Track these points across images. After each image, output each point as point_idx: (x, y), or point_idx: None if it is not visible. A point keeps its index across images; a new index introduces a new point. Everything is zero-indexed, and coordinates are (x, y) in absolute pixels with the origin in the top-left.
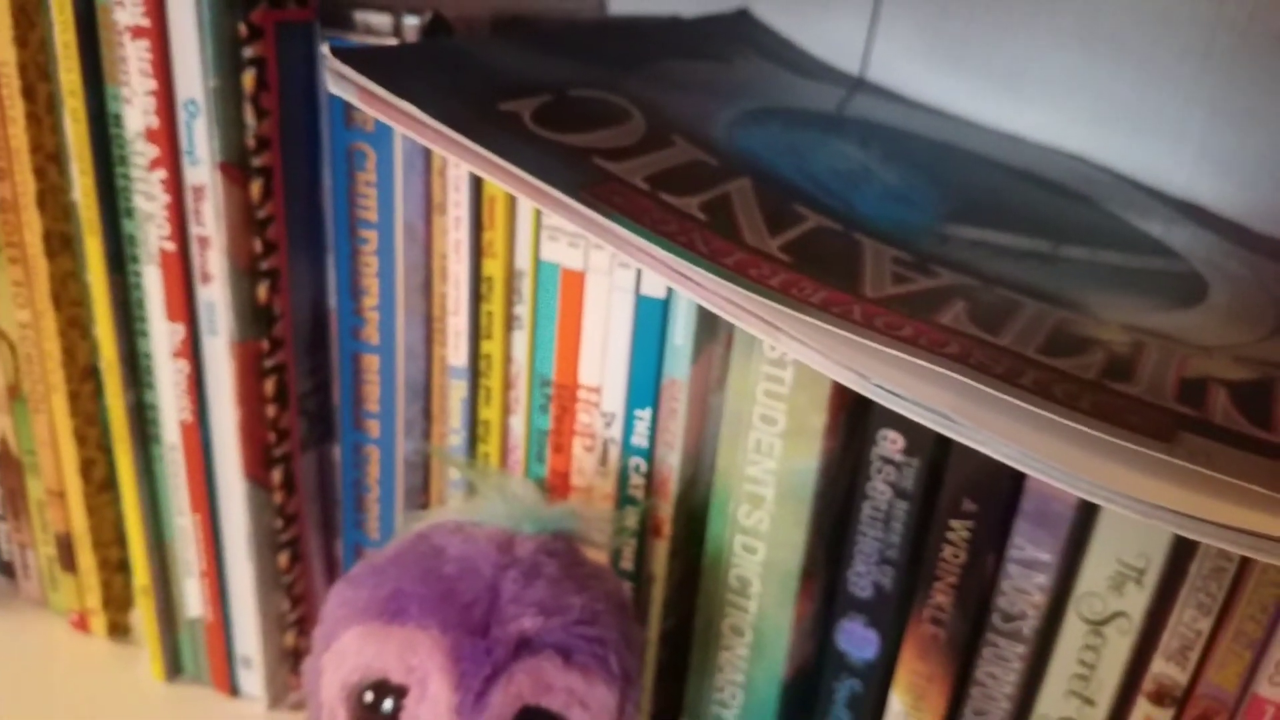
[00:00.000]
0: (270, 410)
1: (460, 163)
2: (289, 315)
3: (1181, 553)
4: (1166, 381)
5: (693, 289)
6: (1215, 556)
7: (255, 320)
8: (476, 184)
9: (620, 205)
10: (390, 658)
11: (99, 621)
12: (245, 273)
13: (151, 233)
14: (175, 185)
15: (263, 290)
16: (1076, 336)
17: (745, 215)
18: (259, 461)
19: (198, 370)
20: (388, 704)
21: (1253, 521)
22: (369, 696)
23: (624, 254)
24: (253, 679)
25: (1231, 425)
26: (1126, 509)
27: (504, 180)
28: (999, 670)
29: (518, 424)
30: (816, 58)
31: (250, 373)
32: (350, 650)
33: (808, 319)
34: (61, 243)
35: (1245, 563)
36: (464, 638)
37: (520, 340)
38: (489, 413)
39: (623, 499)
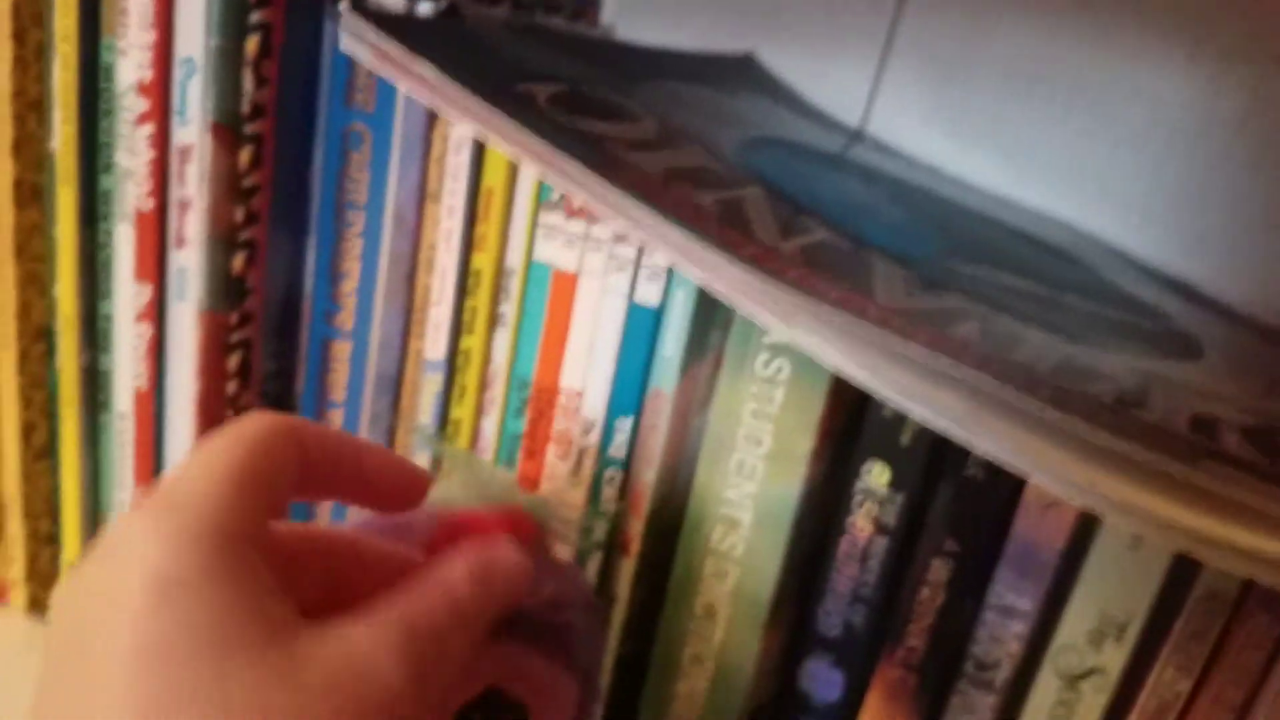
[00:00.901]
0: (231, 387)
1: (472, 127)
2: (261, 291)
3: (1166, 610)
4: (1179, 416)
5: (709, 275)
6: (1200, 616)
7: (227, 291)
8: (475, 175)
9: (638, 187)
10: None
11: (19, 594)
12: (222, 241)
13: (130, 190)
14: (162, 142)
15: (238, 261)
16: (1086, 367)
17: (758, 218)
18: None
19: (160, 336)
20: None
21: (1268, 547)
22: None
23: (640, 235)
24: None
25: (1248, 458)
26: (1142, 527)
27: (521, 149)
28: None
29: (490, 426)
30: (818, 107)
31: (215, 345)
32: None
33: (827, 310)
34: (31, 194)
35: (1229, 624)
36: None
37: (502, 339)
38: (461, 411)
39: (593, 512)
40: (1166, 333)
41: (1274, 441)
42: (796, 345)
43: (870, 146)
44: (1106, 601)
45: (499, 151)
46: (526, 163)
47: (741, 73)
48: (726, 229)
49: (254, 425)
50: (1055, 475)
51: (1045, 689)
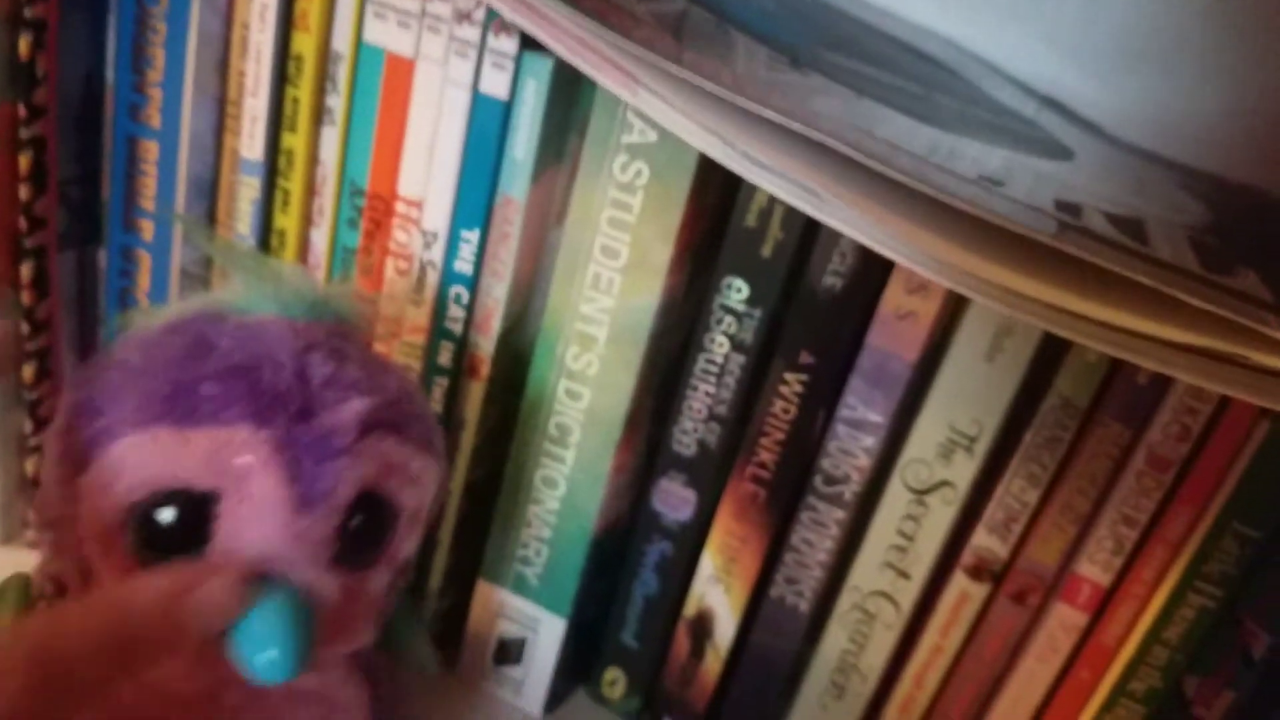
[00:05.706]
0: (24, 191)
1: None
2: (55, 80)
3: (1017, 420)
4: (1043, 198)
5: (544, 27)
6: (1052, 425)
7: (12, 79)
8: None
9: None
10: (191, 463)
11: None
12: (5, 19)
13: None
14: None
15: (24, 44)
16: (950, 149)
17: None
18: (6, 253)
19: None
20: (181, 517)
21: (1128, 322)
22: (167, 514)
23: None
24: None
25: (1110, 237)
26: (999, 302)
27: None
28: (815, 536)
29: (320, 238)
30: None
31: (2, 142)
32: (128, 464)
33: (672, 72)
34: None
35: (1081, 431)
36: (291, 428)
37: (330, 138)
38: (286, 221)
39: (439, 333)
40: (1037, 136)
41: (1140, 229)
42: (648, 128)
43: None
44: (957, 414)
45: None
46: None
47: None
48: None
49: None
50: (909, 250)
51: (893, 503)
